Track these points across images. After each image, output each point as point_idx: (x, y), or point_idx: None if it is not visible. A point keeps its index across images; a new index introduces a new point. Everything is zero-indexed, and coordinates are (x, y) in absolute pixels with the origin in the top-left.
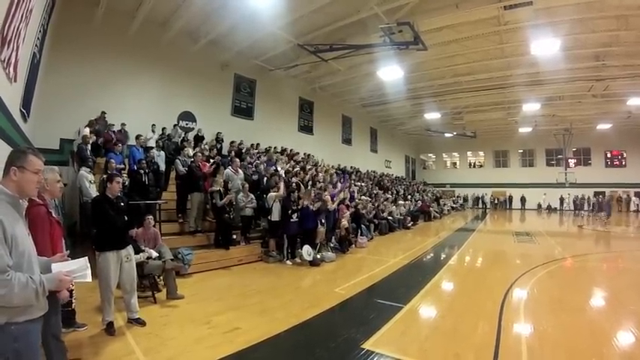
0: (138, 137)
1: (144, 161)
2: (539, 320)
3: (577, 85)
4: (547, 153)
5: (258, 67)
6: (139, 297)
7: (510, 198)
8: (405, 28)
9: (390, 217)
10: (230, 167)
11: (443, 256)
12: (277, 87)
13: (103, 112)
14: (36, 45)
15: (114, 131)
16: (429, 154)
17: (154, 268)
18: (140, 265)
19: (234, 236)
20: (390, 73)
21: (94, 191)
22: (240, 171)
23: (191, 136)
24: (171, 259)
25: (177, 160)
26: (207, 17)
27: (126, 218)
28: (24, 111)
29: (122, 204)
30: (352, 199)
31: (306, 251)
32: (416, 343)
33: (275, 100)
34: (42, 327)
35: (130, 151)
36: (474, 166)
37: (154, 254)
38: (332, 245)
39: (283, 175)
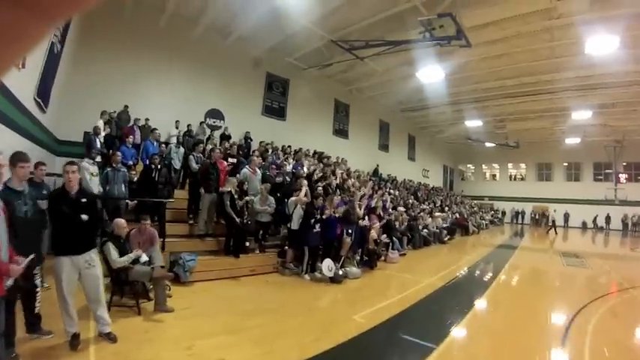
0: (152, 131)
1: (157, 156)
2: None
3: (633, 90)
4: (595, 167)
5: (291, 65)
6: (122, 305)
7: (566, 216)
8: (447, 23)
9: (425, 230)
10: (248, 167)
11: (483, 278)
12: (311, 87)
13: (126, 106)
14: (55, 35)
15: (138, 126)
16: (468, 165)
17: (140, 274)
18: (125, 270)
19: (248, 243)
20: (430, 74)
21: (95, 185)
22: (258, 171)
23: (218, 134)
24: (162, 266)
25: (190, 156)
26: (238, 11)
27: (85, 217)
28: (39, 100)
29: (84, 200)
30: (385, 208)
31: (327, 266)
32: None
33: (309, 101)
34: None
35: (144, 145)
36: (515, 179)
37: (144, 258)
38: (358, 259)
39: (305, 174)
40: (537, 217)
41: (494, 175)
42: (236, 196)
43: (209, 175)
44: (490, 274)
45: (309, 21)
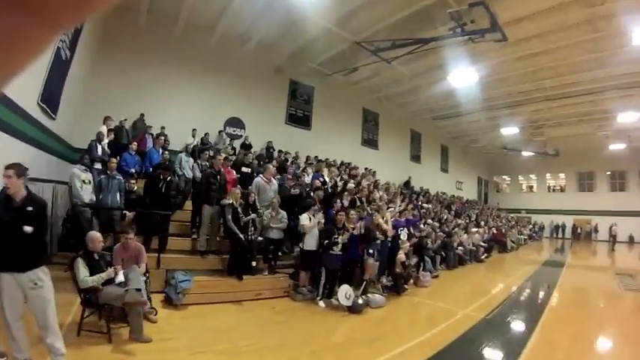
0: (157, 137)
1: (167, 166)
2: None
3: None
4: None
5: (315, 71)
6: (92, 331)
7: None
8: (478, 16)
9: (460, 248)
10: (261, 176)
11: (531, 307)
12: (338, 95)
13: (142, 114)
14: (62, 41)
15: (151, 133)
16: (503, 176)
17: (113, 297)
18: (94, 292)
19: (254, 263)
20: (463, 77)
21: (87, 193)
22: (274, 181)
23: (238, 144)
24: (138, 289)
25: (194, 165)
26: (255, 18)
27: (29, 229)
28: (44, 106)
29: (30, 208)
30: (415, 226)
31: (345, 293)
32: None
33: (335, 110)
34: None
35: (148, 152)
36: (554, 190)
37: (119, 278)
38: (384, 283)
39: (327, 185)
40: (581, 231)
41: (531, 187)
42: (239, 209)
43: (210, 185)
44: (538, 301)
45: (330, 22)
